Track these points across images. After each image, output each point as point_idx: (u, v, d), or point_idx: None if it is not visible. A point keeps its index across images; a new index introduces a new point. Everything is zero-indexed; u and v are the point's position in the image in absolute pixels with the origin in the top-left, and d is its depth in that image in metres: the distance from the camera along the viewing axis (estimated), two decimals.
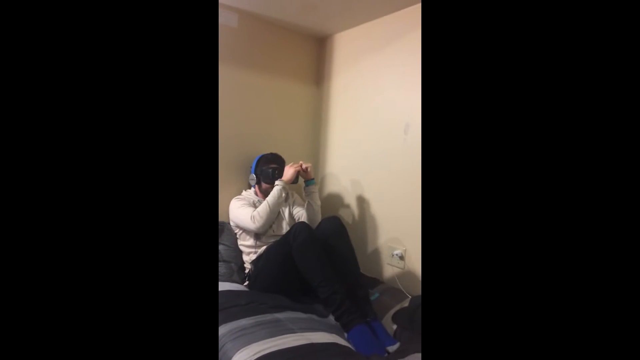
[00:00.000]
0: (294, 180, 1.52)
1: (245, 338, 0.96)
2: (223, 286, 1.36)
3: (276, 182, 1.48)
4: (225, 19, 1.62)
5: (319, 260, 1.20)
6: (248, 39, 1.71)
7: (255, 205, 1.50)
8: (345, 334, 1.09)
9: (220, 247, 1.53)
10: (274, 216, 1.44)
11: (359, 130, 1.79)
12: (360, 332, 1.08)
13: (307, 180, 1.59)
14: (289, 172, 1.49)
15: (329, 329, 1.09)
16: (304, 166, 1.53)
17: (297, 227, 1.25)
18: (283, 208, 1.57)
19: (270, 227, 1.49)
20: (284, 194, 1.45)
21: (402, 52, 1.56)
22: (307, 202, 1.59)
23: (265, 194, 1.56)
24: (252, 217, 1.41)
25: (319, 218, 1.58)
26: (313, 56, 1.98)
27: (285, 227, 1.54)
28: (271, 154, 1.61)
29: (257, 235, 1.48)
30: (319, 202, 1.60)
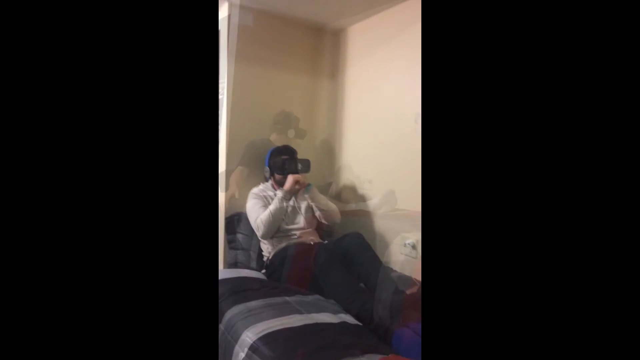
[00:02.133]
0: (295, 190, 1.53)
1: (254, 318, 1.03)
2: (241, 272, 1.45)
3: (277, 192, 1.52)
4: (241, 19, 1.69)
5: (342, 277, 1.22)
6: (264, 37, 1.78)
7: (269, 201, 1.56)
8: (390, 346, 0.98)
9: (239, 236, 1.62)
10: (277, 223, 1.49)
11: (372, 121, 1.80)
12: (400, 337, 0.98)
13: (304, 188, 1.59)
14: (289, 181, 1.50)
15: (335, 311, 1.13)
16: (301, 181, 1.53)
17: (317, 251, 1.28)
18: (300, 201, 1.63)
19: (283, 221, 1.54)
20: (284, 203, 1.49)
21: (412, 40, 1.56)
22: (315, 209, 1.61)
23: (279, 184, 1.61)
24: (257, 226, 1.49)
25: (335, 217, 1.62)
26: (328, 49, 2.01)
27: (302, 222, 1.59)
28: (283, 146, 1.67)
29: None
30: (323, 202, 1.61)
